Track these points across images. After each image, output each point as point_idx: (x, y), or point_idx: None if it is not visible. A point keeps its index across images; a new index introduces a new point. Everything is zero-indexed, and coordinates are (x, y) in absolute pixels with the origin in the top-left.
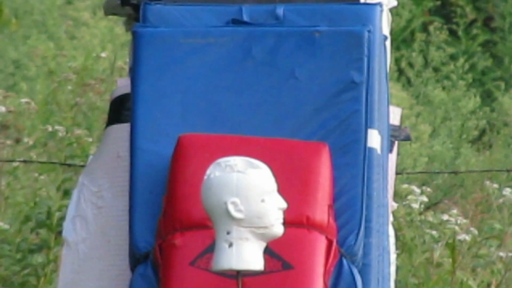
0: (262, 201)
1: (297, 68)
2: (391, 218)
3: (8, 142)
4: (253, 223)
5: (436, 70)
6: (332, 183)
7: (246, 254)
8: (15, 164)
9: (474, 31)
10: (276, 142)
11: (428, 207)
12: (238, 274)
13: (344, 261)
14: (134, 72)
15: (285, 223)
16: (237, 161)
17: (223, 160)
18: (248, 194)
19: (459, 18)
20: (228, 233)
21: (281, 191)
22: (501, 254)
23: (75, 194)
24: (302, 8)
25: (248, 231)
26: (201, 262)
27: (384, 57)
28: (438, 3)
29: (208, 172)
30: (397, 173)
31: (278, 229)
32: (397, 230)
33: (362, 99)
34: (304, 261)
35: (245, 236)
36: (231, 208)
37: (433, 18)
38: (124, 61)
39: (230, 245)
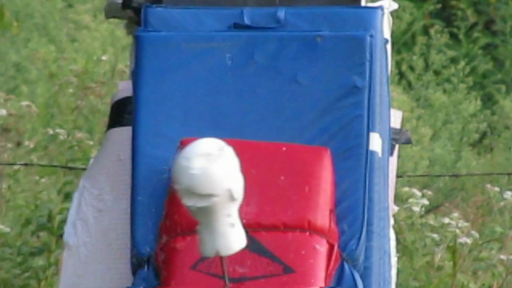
0: None
1: (299, 73)
2: (392, 221)
3: (9, 145)
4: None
5: (437, 73)
6: (334, 188)
7: (241, 230)
8: (16, 167)
9: (475, 34)
10: (278, 147)
11: (429, 210)
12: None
13: (346, 265)
14: (136, 76)
15: (287, 227)
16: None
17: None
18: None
19: (460, 21)
20: (229, 215)
21: (282, 195)
22: (502, 257)
23: (76, 197)
24: (303, 11)
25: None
26: (203, 266)
27: (385, 60)
28: (439, 6)
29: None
30: (398, 176)
31: None
32: (398, 233)
33: (364, 104)
34: (305, 265)
35: (237, 213)
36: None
37: (434, 21)
38: (125, 64)
39: (232, 225)
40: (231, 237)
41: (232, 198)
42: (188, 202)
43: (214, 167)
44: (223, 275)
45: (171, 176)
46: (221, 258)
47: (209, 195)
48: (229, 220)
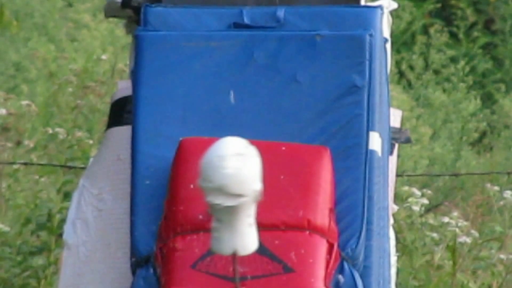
0: None
1: (299, 72)
2: (391, 221)
3: (9, 144)
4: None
5: (436, 72)
6: (334, 187)
7: (256, 231)
8: (15, 166)
9: (475, 33)
10: (277, 146)
11: (428, 209)
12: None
13: (345, 265)
14: (135, 75)
15: (286, 227)
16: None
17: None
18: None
19: (460, 21)
20: (249, 216)
21: (282, 194)
22: (502, 256)
23: (75, 196)
24: (302, 10)
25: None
26: (202, 265)
27: (384, 59)
28: (439, 5)
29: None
30: (397, 176)
31: None
32: (397, 232)
33: (363, 103)
34: (305, 265)
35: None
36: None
37: (434, 20)
38: (124, 64)
39: (251, 225)
40: (250, 237)
41: (256, 199)
42: (216, 200)
43: (247, 167)
44: (234, 275)
45: (198, 174)
46: (234, 258)
47: (239, 195)
48: (249, 220)
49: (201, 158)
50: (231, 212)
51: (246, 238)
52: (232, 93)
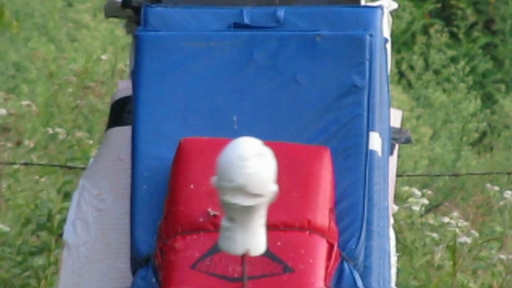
0: None
1: (299, 72)
2: (391, 221)
3: (9, 144)
4: None
5: (436, 72)
6: (334, 187)
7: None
8: (15, 166)
9: (475, 33)
10: (278, 146)
11: (428, 209)
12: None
13: (345, 265)
14: (135, 76)
15: (286, 227)
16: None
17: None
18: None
19: (460, 21)
20: (261, 216)
21: (282, 194)
22: (502, 256)
23: (75, 196)
24: (302, 10)
25: None
26: (202, 266)
27: (384, 59)
28: (439, 5)
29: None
30: (397, 176)
31: None
32: (397, 232)
33: (364, 103)
34: (305, 265)
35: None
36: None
37: (434, 20)
38: (125, 64)
39: (262, 226)
40: (262, 237)
41: (271, 199)
42: (233, 199)
43: (266, 167)
44: (243, 275)
45: (216, 172)
46: (243, 258)
47: (257, 195)
48: (261, 221)
49: (219, 158)
50: (247, 212)
51: (258, 239)
52: (235, 117)
